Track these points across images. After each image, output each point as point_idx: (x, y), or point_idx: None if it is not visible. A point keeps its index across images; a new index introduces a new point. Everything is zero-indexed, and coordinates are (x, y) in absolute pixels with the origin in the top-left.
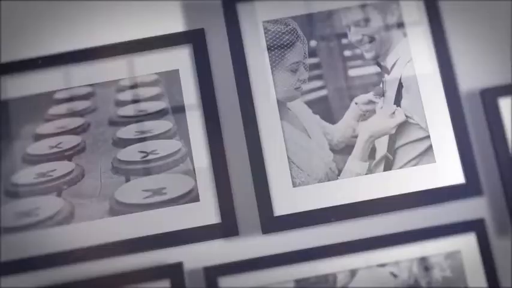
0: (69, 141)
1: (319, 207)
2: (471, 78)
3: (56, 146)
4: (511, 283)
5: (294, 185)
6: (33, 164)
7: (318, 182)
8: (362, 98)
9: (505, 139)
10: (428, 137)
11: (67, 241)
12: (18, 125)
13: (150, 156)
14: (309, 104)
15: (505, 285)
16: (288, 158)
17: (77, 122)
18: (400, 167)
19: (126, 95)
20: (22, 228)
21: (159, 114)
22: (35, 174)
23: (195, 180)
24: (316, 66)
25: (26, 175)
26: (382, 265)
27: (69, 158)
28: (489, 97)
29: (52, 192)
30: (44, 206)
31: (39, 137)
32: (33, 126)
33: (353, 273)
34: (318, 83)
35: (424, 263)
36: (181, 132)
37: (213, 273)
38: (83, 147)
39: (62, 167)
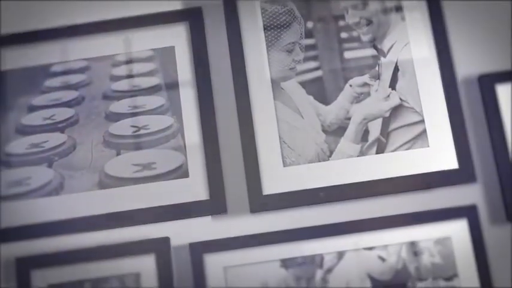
0: (63, 113)
1: (309, 188)
2: (469, 63)
3: (49, 118)
4: (502, 271)
5: (285, 164)
6: (27, 135)
7: (309, 163)
8: (357, 80)
9: (501, 126)
10: (422, 121)
11: (56, 211)
12: (14, 96)
13: (142, 131)
14: (303, 84)
15: (496, 274)
16: (280, 137)
17: (72, 95)
18: (393, 150)
19: (121, 70)
20: (13, 197)
21: (153, 90)
22: (28, 144)
23: (185, 157)
24: (312, 47)
25: (19, 145)
26: (370, 248)
27: (62, 130)
28: (487, 83)
29: (43, 163)
30: (34, 176)
31: (33, 109)
32: (28, 98)
33: (340, 255)
34: (313, 64)
35: (414, 248)
36: (174, 108)
37: (199, 250)
38: (76, 119)
39: (54, 139)
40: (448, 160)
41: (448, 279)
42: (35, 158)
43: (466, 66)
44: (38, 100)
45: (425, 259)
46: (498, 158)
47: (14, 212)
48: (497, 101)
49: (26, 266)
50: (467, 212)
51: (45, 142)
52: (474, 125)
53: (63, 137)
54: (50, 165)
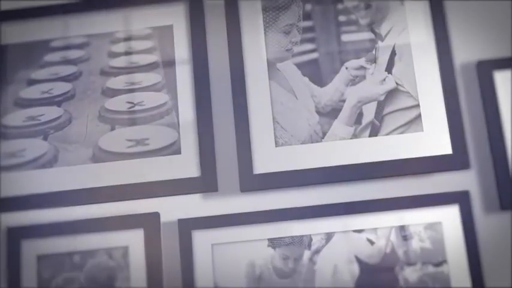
0: (60, 87)
1: (300, 168)
2: (468, 49)
3: (47, 92)
4: (493, 260)
5: (277, 144)
6: (24, 108)
7: (301, 144)
8: (353, 63)
9: (498, 113)
10: (417, 105)
11: (49, 184)
12: (14, 70)
13: (137, 107)
14: (299, 65)
15: (487, 262)
16: (273, 117)
17: (70, 69)
18: (387, 134)
19: (120, 47)
20: (7, 168)
21: (150, 67)
22: (25, 117)
23: (179, 134)
24: (309, 29)
25: (16, 118)
26: (360, 231)
27: (59, 104)
28: (485, 69)
29: (39, 136)
30: (30, 148)
31: (32, 82)
32: (27, 72)
33: (329, 236)
34: (309, 46)
35: (403, 232)
36: (170, 86)
37: (188, 226)
38: (72, 94)
39: (50, 112)
40: (442, 146)
41: (437, 265)
42: (31, 130)
43: (465, 52)
44: (37, 74)
45: (415, 244)
46: (493, 146)
47: (8, 182)
48: (494, 88)
49: (17, 236)
50: (460, 198)
51: (41, 115)
52: (470, 112)
53: (60, 110)
54: (45, 138)
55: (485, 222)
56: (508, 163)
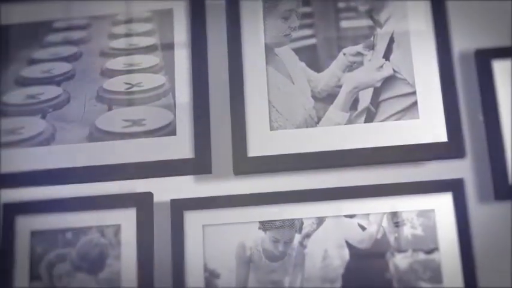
0: (61, 67)
1: (294, 152)
2: (467, 38)
3: (47, 72)
4: (486, 250)
5: (272, 128)
6: (24, 86)
7: (296, 128)
8: (351, 49)
9: (495, 102)
10: (414, 93)
11: (45, 161)
12: (16, 49)
13: (135, 88)
14: (297, 51)
15: (479, 251)
16: (269, 101)
17: (70, 50)
18: (382, 120)
19: (120, 29)
20: (6, 144)
21: (149, 49)
22: (25, 95)
23: (174, 115)
24: (308, 15)
25: (16, 96)
26: (351, 216)
27: (58, 84)
28: (483, 58)
29: (38, 114)
30: (28, 126)
31: (33, 62)
32: (29, 52)
33: (320, 221)
34: (307, 32)
35: (395, 219)
36: (168, 68)
37: (180, 207)
38: (72, 74)
39: (50, 91)
40: (438, 133)
41: (429, 252)
42: (30, 108)
43: (464, 41)
44: (38, 54)
45: (406, 230)
46: (490, 135)
47: (5, 159)
48: (492, 77)
49: (11, 211)
50: (453, 186)
51: (41, 94)
52: (468, 100)
53: (59, 90)
54: (43, 117)
55: (479, 212)
56: (504, 153)
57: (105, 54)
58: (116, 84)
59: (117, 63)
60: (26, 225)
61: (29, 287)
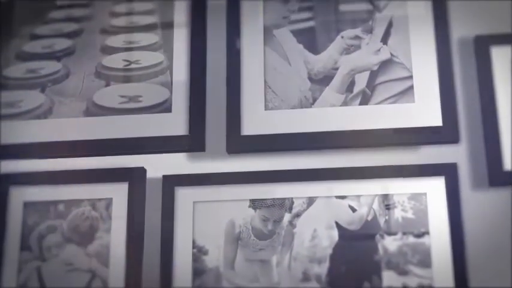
0: (62, 43)
1: (287, 132)
2: (466, 24)
3: (48, 47)
4: (477, 236)
5: (266, 108)
6: (25, 61)
7: (291, 108)
8: (349, 32)
9: (492, 89)
10: (410, 77)
11: (42, 134)
12: (19, 25)
13: (133, 65)
14: (295, 33)
15: (470, 237)
16: (265, 81)
17: (72, 27)
18: (377, 103)
19: (122, 8)
20: (5, 117)
21: (149, 27)
22: (25, 70)
23: (171, 92)
24: None
25: (17, 70)
26: (342, 197)
27: (58, 59)
28: (482, 44)
29: (37, 88)
30: (27, 99)
31: (35, 37)
32: (32, 27)
33: (311, 200)
34: (306, 14)
35: (386, 201)
36: (167, 46)
37: (172, 182)
38: (72, 50)
39: (50, 66)
40: (433, 118)
41: (419, 236)
42: (30, 82)
43: (464, 27)
44: (41, 30)
45: (397, 213)
46: (486, 122)
47: (3, 131)
48: (490, 63)
49: (6, 182)
50: (447, 170)
51: (41, 69)
52: (465, 87)
53: (59, 65)
54: (42, 91)
55: (473, 198)
56: (499, 139)
57: (106, 31)
58: (115, 61)
59: (117, 40)
60: (19, 196)
61: (18, 257)
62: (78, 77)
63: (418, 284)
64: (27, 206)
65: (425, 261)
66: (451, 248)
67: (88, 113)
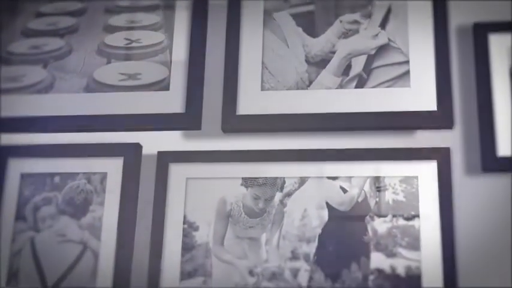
0: (66, 21)
1: (282, 113)
2: (466, 11)
3: (52, 24)
4: (467, 221)
5: (263, 88)
6: (29, 37)
7: (287, 90)
8: (348, 17)
9: (488, 75)
10: (407, 62)
11: (42, 109)
12: (24, 3)
13: (134, 44)
14: (295, 16)
15: (461, 221)
16: (263, 63)
17: (77, 5)
18: (373, 87)
19: None
20: (7, 90)
21: (151, 8)
22: (29, 46)
23: (169, 71)
24: None
25: (21, 46)
26: (334, 178)
27: (62, 36)
28: (481, 31)
29: (39, 64)
30: (29, 74)
31: (40, 15)
32: (37, 5)
33: (302, 180)
34: None
35: (378, 183)
36: (167, 26)
37: (166, 158)
38: (76, 28)
39: (53, 43)
40: (428, 102)
41: (409, 218)
42: (33, 58)
43: (463, 14)
44: (46, 8)
45: (388, 196)
46: (481, 108)
47: (5, 105)
48: (488, 50)
49: (5, 154)
50: (439, 154)
51: (45, 45)
52: (462, 74)
53: (62, 42)
54: (44, 66)
55: (465, 183)
56: (494, 125)
57: (110, 11)
58: (117, 39)
59: (120, 19)
60: (17, 167)
61: (13, 227)
62: (80, 54)
63: (405, 266)
64: (24, 177)
65: (414, 244)
66: (440, 232)
67: (88, 89)
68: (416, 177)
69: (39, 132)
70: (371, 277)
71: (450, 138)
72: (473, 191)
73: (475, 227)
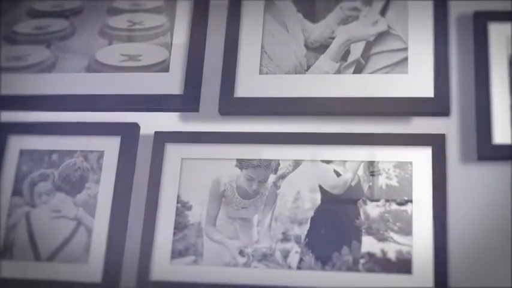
0: (71, 3)
1: (280, 96)
2: (466, 0)
3: (58, 6)
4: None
5: (261, 72)
6: (34, 18)
7: (285, 74)
8: (348, 4)
9: (487, 64)
10: (406, 48)
11: (44, 87)
12: None
13: (136, 26)
14: (295, 2)
15: (454, 208)
16: (262, 47)
17: None
18: (370, 73)
19: None
20: (11, 69)
21: None
22: (34, 26)
23: (170, 53)
24: None
25: (26, 26)
26: (328, 161)
27: (66, 18)
28: (481, 20)
29: (43, 44)
30: (33, 53)
31: None
32: None
33: (297, 163)
34: None
35: (372, 168)
36: (170, 10)
37: (162, 138)
38: (81, 10)
39: (57, 24)
40: (425, 89)
41: (401, 203)
42: (37, 38)
43: (463, 3)
44: None
45: (381, 180)
46: (478, 96)
47: (9, 83)
48: (487, 38)
49: (5, 130)
50: (434, 141)
51: (49, 26)
52: (461, 62)
53: (66, 23)
54: (48, 46)
55: (461, 170)
56: (490, 114)
57: None
58: (120, 21)
59: (124, 2)
60: (16, 144)
61: (10, 201)
62: (83, 36)
63: (396, 251)
64: (23, 153)
65: (406, 229)
66: (432, 218)
67: (89, 69)
68: (411, 163)
69: (40, 110)
70: (362, 260)
71: (446, 125)
72: (468, 178)
73: (469, 215)
